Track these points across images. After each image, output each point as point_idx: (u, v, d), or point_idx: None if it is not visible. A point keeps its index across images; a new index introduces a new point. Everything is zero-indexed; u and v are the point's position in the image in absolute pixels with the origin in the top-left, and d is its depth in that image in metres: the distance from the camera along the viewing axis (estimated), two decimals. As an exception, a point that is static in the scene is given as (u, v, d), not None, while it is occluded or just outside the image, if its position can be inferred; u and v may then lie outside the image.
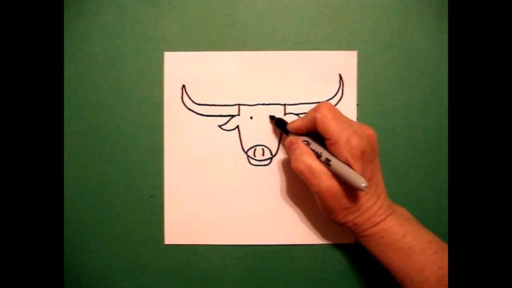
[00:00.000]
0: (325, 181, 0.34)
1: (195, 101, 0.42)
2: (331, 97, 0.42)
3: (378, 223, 0.35)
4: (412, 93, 0.42)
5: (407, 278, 0.34)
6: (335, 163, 0.34)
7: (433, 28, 0.42)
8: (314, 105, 0.41)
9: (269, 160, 0.42)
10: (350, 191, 0.34)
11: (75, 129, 0.42)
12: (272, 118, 0.41)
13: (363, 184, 0.32)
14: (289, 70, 0.42)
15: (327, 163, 0.34)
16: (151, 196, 0.42)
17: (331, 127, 0.34)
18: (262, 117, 0.42)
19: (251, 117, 0.42)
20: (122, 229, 0.42)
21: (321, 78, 0.42)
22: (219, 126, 0.42)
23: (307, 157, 0.35)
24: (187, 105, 0.42)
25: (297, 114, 0.42)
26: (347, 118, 0.36)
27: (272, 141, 0.42)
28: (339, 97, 0.42)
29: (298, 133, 0.38)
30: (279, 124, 0.41)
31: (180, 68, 0.42)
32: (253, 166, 0.42)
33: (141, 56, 0.42)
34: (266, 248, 0.42)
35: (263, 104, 0.42)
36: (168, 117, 0.42)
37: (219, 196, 0.42)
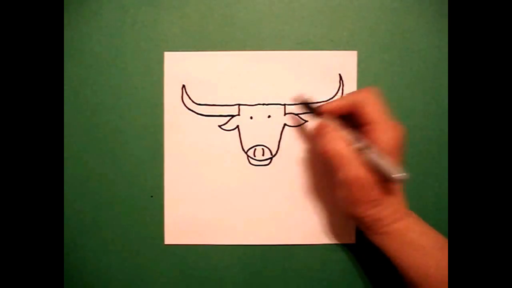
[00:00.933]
0: (354, 169, 0.33)
1: (195, 101, 0.42)
2: (331, 97, 0.42)
3: (398, 220, 0.34)
4: (412, 93, 0.42)
5: (424, 277, 0.33)
6: (370, 151, 0.32)
7: (433, 28, 0.42)
8: (314, 105, 0.41)
9: (269, 160, 0.42)
10: (379, 182, 0.33)
11: (75, 129, 0.42)
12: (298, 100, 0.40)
13: (401, 175, 0.30)
14: (289, 70, 0.42)
15: (361, 150, 0.33)
16: (151, 196, 0.42)
17: (376, 112, 0.33)
18: (262, 117, 0.42)
19: (251, 117, 0.42)
20: (122, 229, 0.42)
21: (321, 78, 0.42)
22: (219, 126, 0.42)
23: (338, 142, 0.34)
24: (187, 105, 0.42)
25: (297, 114, 0.42)
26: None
27: (272, 141, 0.42)
28: (339, 97, 0.42)
29: (331, 114, 0.36)
30: (307, 106, 0.39)
31: (180, 68, 0.42)
32: (253, 166, 0.42)
33: (141, 56, 0.42)
34: (266, 248, 0.42)
35: (263, 104, 0.42)
36: (168, 117, 0.42)
37: (219, 196, 0.42)
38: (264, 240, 0.42)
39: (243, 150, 0.42)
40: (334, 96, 0.42)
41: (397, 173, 0.31)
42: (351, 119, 0.36)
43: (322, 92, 0.42)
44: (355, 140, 0.34)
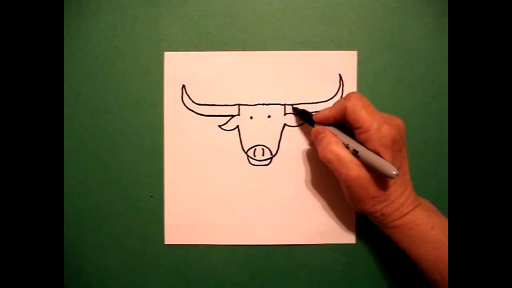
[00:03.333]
0: (354, 169, 0.34)
1: (195, 101, 0.42)
2: (331, 97, 0.42)
3: (406, 214, 0.35)
4: (412, 93, 0.42)
5: (436, 270, 0.34)
6: (364, 152, 0.34)
7: (433, 28, 0.42)
8: (314, 105, 0.42)
9: (269, 160, 0.42)
10: (379, 180, 0.35)
11: (75, 129, 0.42)
12: (295, 110, 0.41)
13: (394, 172, 0.32)
14: (289, 70, 0.42)
15: (355, 154, 0.35)
16: (151, 196, 0.42)
17: (362, 116, 0.35)
18: (262, 117, 0.42)
19: (251, 117, 0.42)
20: (122, 229, 0.42)
21: (321, 78, 0.42)
22: (219, 126, 0.42)
23: (335, 145, 0.35)
24: (187, 105, 0.42)
25: (297, 114, 0.42)
26: (376, 109, 0.36)
27: (272, 141, 0.42)
28: (339, 97, 0.42)
29: (325, 123, 0.38)
30: (304, 116, 0.41)
31: (180, 68, 0.42)
32: (253, 166, 0.42)
33: (141, 56, 0.42)
34: (266, 248, 0.42)
35: (263, 104, 0.42)
36: (168, 117, 0.42)
37: (219, 196, 0.42)
38: (264, 240, 0.42)
39: (243, 150, 0.42)
40: (334, 96, 0.42)
41: (391, 171, 0.32)
42: (344, 124, 0.38)
43: (322, 92, 0.42)
44: (350, 142, 0.36)
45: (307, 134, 0.42)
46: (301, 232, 0.42)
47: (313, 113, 0.40)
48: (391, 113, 0.42)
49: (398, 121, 0.36)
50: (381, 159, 0.33)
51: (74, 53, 0.42)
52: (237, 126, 0.42)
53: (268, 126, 0.42)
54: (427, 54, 0.42)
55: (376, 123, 0.34)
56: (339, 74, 0.42)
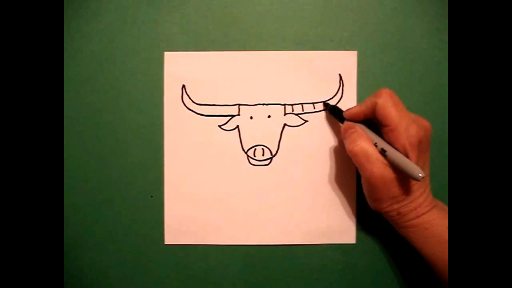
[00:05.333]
0: (379, 167, 0.35)
1: (195, 101, 0.42)
2: (331, 97, 0.42)
3: (423, 214, 0.35)
4: (412, 93, 0.42)
5: None
6: (392, 151, 0.34)
7: (433, 28, 0.42)
8: (314, 105, 0.42)
9: (269, 160, 0.42)
10: (402, 180, 0.35)
11: (75, 129, 0.42)
12: (326, 105, 0.41)
13: (420, 175, 0.32)
14: (289, 70, 0.42)
15: (382, 152, 0.35)
16: (151, 196, 0.42)
17: (392, 113, 0.35)
18: (262, 117, 0.42)
19: (251, 117, 0.42)
20: (122, 229, 0.42)
21: (321, 78, 0.42)
22: (219, 126, 0.42)
23: (363, 141, 0.36)
24: (187, 105, 0.42)
25: (297, 114, 0.42)
26: (405, 108, 0.36)
27: (272, 141, 0.42)
28: (339, 97, 0.42)
29: (355, 119, 0.38)
30: (334, 112, 0.41)
31: (180, 68, 0.42)
32: (253, 166, 0.42)
33: (141, 56, 0.42)
34: (266, 248, 0.42)
35: (263, 104, 0.42)
36: (168, 117, 0.42)
37: (219, 196, 0.42)
38: (264, 240, 0.42)
39: (243, 150, 0.42)
40: (334, 96, 0.42)
41: (417, 173, 0.32)
42: (373, 121, 0.38)
43: (322, 92, 0.42)
44: (379, 140, 0.36)
45: (307, 134, 0.42)
46: (301, 232, 0.42)
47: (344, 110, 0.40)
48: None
49: (426, 123, 0.36)
50: (408, 161, 0.33)
51: (74, 53, 0.42)
52: (237, 126, 0.42)
53: (268, 126, 0.42)
54: (427, 54, 0.42)
55: (405, 122, 0.34)
56: (339, 74, 0.42)
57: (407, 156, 0.34)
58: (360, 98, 0.42)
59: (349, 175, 0.42)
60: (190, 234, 0.42)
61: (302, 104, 0.42)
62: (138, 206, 0.42)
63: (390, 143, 0.35)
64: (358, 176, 0.42)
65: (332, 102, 0.42)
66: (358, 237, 0.42)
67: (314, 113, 0.42)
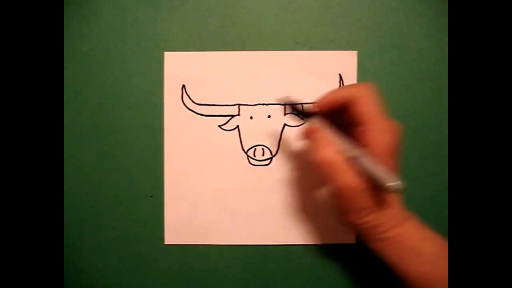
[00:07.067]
0: (346, 178, 0.31)
1: (195, 101, 0.42)
2: (331, 97, 0.42)
3: (396, 226, 0.32)
4: (412, 93, 0.42)
5: (426, 285, 0.31)
6: (364, 159, 0.30)
7: (433, 28, 0.42)
8: (301, 106, 0.41)
9: (269, 160, 0.42)
10: (372, 190, 0.31)
11: (75, 129, 0.42)
12: (284, 104, 0.40)
13: (396, 185, 0.28)
14: (289, 70, 0.42)
15: (352, 160, 0.31)
16: (151, 196, 0.42)
17: (370, 112, 0.31)
18: (262, 117, 0.42)
19: (251, 117, 0.42)
20: (122, 229, 0.42)
21: (321, 78, 0.42)
22: (219, 126, 0.42)
23: (329, 149, 0.31)
24: (187, 105, 0.42)
25: (297, 114, 0.42)
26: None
27: (272, 141, 0.42)
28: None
29: (326, 111, 0.33)
30: (294, 108, 0.37)
31: (180, 68, 0.42)
32: (253, 166, 0.42)
33: (141, 56, 0.42)
34: (266, 248, 0.42)
35: (263, 104, 0.42)
36: (168, 117, 0.42)
37: (219, 196, 0.42)
38: (264, 240, 0.42)
39: (243, 150, 0.42)
40: (334, 96, 0.42)
41: (392, 182, 0.28)
42: (343, 117, 0.33)
43: (322, 92, 0.42)
44: (347, 145, 0.32)
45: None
46: (301, 232, 0.42)
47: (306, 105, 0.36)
48: (391, 113, 0.42)
49: (398, 125, 0.33)
50: (383, 168, 0.29)
51: (74, 53, 0.42)
52: (237, 126, 0.42)
53: (268, 126, 0.42)
54: (427, 54, 0.42)
55: (382, 126, 0.31)
56: (339, 74, 0.42)
57: (383, 162, 0.30)
58: (360, 98, 0.42)
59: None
60: (190, 234, 0.42)
61: (302, 104, 0.42)
62: (138, 206, 0.42)
63: (361, 146, 0.31)
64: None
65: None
66: (358, 237, 0.42)
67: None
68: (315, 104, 0.34)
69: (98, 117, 0.42)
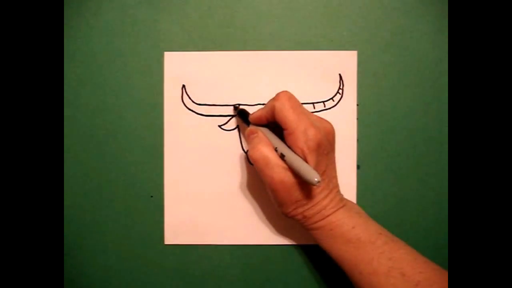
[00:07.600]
0: (278, 172, 0.34)
1: (195, 101, 0.42)
2: (331, 97, 0.42)
3: (328, 216, 0.35)
4: (412, 93, 0.42)
5: (356, 270, 0.34)
6: (290, 156, 0.34)
7: (433, 28, 0.42)
8: (314, 105, 0.42)
9: (269, 160, 0.42)
10: (303, 184, 0.34)
11: (75, 129, 0.42)
12: (235, 108, 0.41)
13: (316, 179, 0.31)
14: (289, 70, 0.42)
15: (282, 157, 0.34)
16: (151, 196, 0.42)
17: (289, 117, 0.34)
18: (262, 117, 0.42)
19: (251, 117, 0.42)
20: (122, 229, 0.42)
21: (321, 78, 0.42)
22: (219, 126, 0.42)
23: (263, 146, 0.35)
24: (187, 105, 0.42)
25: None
26: (306, 109, 0.36)
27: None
28: (339, 97, 0.42)
29: (259, 123, 0.38)
30: (241, 115, 0.40)
31: (180, 68, 0.42)
32: (253, 166, 0.42)
33: (141, 56, 0.42)
34: (266, 248, 0.42)
35: (263, 104, 0.42)
36: (168, 117, 0.42)
37: (219, 196, 0.42)
38: (264, 240, 0.42)
39: (243, 150, 0.42)
40: (334, 96, 0.42)
41: (313, 177, 0.31)
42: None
43: (322, 92, 0.42)
44: (279, 144, 0.35)
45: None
46: (301, 232, 0.42)
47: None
48: (391, 114, 0.42)
49: (327, 124, 0.36)
50: (305, 165, 0.33)
51: (74, 53, 0.42)
52: (237, 126, 0.42)
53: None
54: (427, 54, 0.42)
55: (303, 125, 0.34)
56: (339, 74, 0.42)
57: (305, 160, 0.33)
58: (360, 98, 0.42)
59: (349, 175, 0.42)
60: (190, 234, 0.42)
61: (302, 104, 0.42)
62: (138, 206, 0.42)
63: (290, 146, 0.34)
64: (358, 176, 0.42)
65: (332, 102, 0.42)
66: (358, 237, 0.42)
67: (313, 113, 0.42)
68: (250, 117, 0.38)
69: (98, 117, 0.42)
